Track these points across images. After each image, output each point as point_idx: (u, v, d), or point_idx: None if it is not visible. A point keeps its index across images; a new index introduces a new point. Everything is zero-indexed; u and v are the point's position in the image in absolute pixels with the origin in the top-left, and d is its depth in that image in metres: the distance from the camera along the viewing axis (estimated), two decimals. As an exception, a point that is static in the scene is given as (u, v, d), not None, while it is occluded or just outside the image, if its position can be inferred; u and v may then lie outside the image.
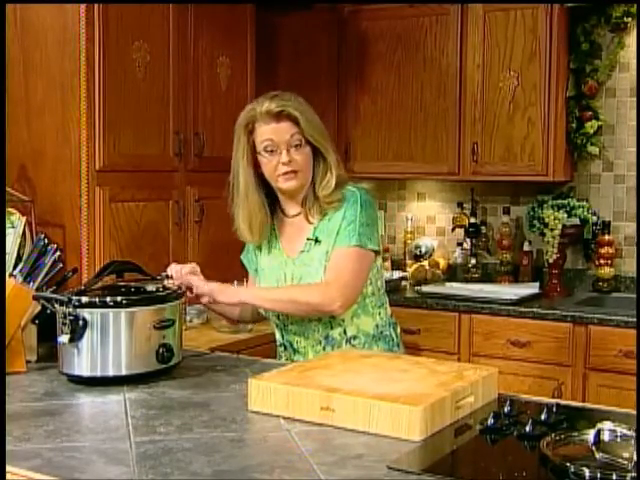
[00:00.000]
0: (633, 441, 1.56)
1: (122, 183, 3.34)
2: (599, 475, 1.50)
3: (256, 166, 2.44)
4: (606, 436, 1.62)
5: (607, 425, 1.63)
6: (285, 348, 2.53)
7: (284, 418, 1.88)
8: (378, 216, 2.55)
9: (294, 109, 2.38)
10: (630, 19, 4.19)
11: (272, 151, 2.38)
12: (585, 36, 4.26)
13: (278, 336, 2.56)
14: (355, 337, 2.44)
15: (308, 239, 2.43)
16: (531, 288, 4.27)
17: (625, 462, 1.53)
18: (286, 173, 2.38)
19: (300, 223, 2.47)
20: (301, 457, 1.65)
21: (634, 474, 1.49)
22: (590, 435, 1.62)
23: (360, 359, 2.18)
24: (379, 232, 2.48)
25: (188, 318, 3.44)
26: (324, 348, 2.44)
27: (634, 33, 4.23)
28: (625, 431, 1.60)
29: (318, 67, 4.70)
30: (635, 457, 1.53)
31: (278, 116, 2.37)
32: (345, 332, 2.43)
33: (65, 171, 3.21)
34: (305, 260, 2.42)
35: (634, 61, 4.26)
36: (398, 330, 2.58)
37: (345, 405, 1.81)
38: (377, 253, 2.45)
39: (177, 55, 3.57)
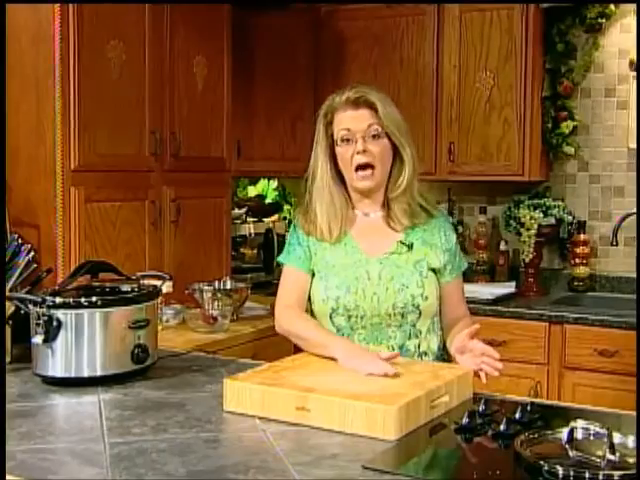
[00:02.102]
0: (606, 439, 1.57)
1: (98, 183, 3.32)
2: (572, 473, 1.51)
3: (335, 161, 2.38)
4: (579, 434, 1.64)
5: (580, 423, 1.64)
6: None
7: (259, 418, 1.88)
8: None
9: (373, 97, 2.33)
10: (604, 20, 4.22)
11: (348, 140, 2.31)
12: (560, 37, 4.28)
13: None
14: (426, 353, 2.37)
15: (401, 242, 2.36)
16: (507, 287, 4.29)
17: (598, 460, 1.55)
18: (362, 169, 2.30)
19: (379, 224, 2.40)
20: (276, 457, 1.65)
21: (607, 471, 1.51)
22: (563, 433, 1.63)
23: (336, 359, 2.18)
24: None
25: (164, 318, 3.42)
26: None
27: (608, 34, 4.26)
28: (598, 429, 1.61)
29: (295, 67, 4.69)
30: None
31: (356, 103, 2.33)
32: (419, 346, 2.35)
33: (40, 171, 3.19)
34: (396, 262, 2.33)
35: (609, 62, 4.29)
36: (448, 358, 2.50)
37: (320, 405, 1.81)
38: None
39: (153, 54, 3.55)
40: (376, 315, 2.31)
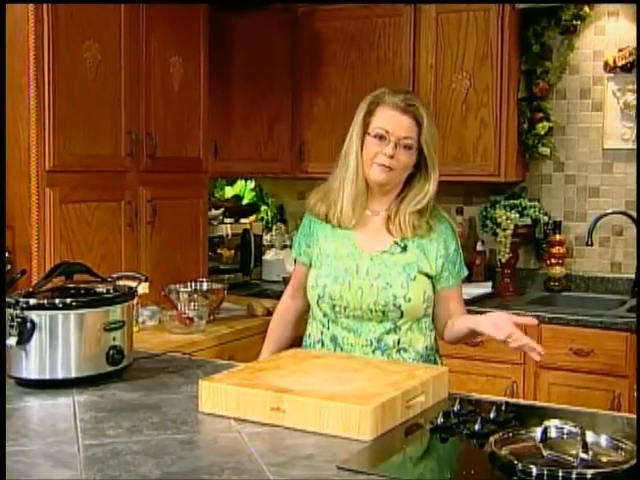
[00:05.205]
0: (579, 438, 1.58)
1: (73, 184, 3.30)
2: (546, 472, 1.52)
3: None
4: (553, 433, 1.65)
5: (554, 422, 1.65)
6: (323, 345, 2.44)
7: (235, 419, 1.88)
8: None
9: (422, 111, 2.37)
10: (579, 22, 4.26)
11: (382, 137, 2.34)
12: (536, 38, 4.31)
13: (317, 331, 2.46)
14: (406, 350, 2.38)
15: (396, 243, 2.39)
16: (484, 288, 4.31)
17: (571, 459, 1.56)
18: (382, 165, 2.35)
19: (379, 222, 2.44)
20: (251, 458, 1.65)
21: (580, 470, 1.52)
22: (537, 433, 1.64)
23: (311, 359, 2.18)
24: None
25: (141, 319, 3.41)
26: (374, 351, 2.36)
27: (583, 36, 4.30)
28: (571, 428, 1.62)
29: (272, 68, 4.69)
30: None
31: (404, 109, 2.35)
32: (399, 342, 2.37)
33: (14, 171, 3.17)
34: (386, 261, 2.37)
35: (583, 63, 4.32)
36: (440, 360, 2.53)
37: (296, 405, 1.81)
38: None
39: (129, 55, 3.54)
40: (358, 308, 2.36)
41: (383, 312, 2.34)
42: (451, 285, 2.44)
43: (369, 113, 2.39)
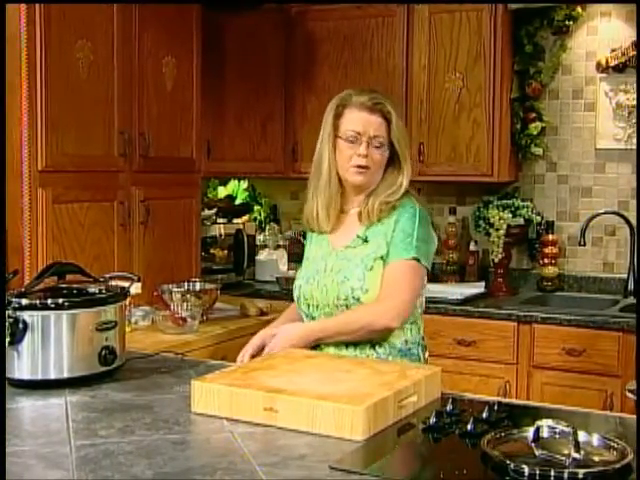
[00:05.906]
0: (571, 437, 1.58)
1: (66, 184, 3.30)
2: (538, 472, 1.52)
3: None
4: (545, 433, 1.65)
5: (546, 422, 1.65)
6: None
7: (227, 419, 1.88)
8: (434, 235, 2.47)
9: (390, 107, 2.40)
10: (571, 22, 4.26)
11: (353, 141, 2.38)
12: (529, 38, 4.32)
13: None
14: (380, 345, 2.39)
15: (358, 236, 2.43)
16: (477, 288, 4.31)
17: (563, 458, 1.56)
18: (359, 166, 2.38)
19: (352, 219, 2.47)
20: (243, 458, 1.65)
21: (571, 470, 1.52)
22: (530, 432, 1.64)
23: (304, 359, 2.18)
24: (433, 251, 2.46)
25: (134, 320, 3.41)
26: (347, 346, 2.38)
27: (575, 36, 4.31)
28: (563, 428, 1.62)
29: (265, 67, 4.69)
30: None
31: (371, 108, 2.39)
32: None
33: (7, 171, 3.16)
34: (348, 255, 2.41)
35: (576, 64, 4.33)
36: (426, 353, 2.51)
37: (288, 406, 1.81)
38: (427, 271, 2.44)
39: (122, 54, 3.53)
40: (326, 305, 2.42)
41: (346, 306, 2.38)
42: (388, 262, 2.37)
43: (337, 116, 2.43)
